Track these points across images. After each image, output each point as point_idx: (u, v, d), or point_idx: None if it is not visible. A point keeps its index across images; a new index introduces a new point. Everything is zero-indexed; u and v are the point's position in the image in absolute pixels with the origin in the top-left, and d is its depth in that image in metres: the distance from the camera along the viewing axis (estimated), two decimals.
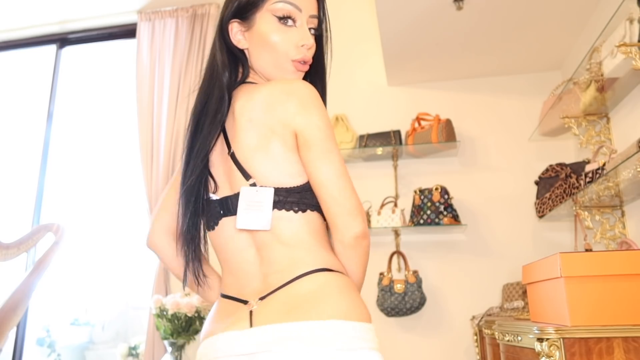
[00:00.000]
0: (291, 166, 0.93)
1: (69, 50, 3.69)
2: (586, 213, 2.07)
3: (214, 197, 0.99)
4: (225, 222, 0.97)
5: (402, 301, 2.50)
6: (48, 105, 3.51)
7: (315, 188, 0.92)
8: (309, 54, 1.02)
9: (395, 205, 2.69)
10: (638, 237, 1.95)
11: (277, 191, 0.92)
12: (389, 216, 2.62)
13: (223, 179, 0.99)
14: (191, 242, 0.99)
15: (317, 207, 0.94)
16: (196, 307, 2.50)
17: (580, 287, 1.26)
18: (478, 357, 2.30)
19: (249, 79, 1.05)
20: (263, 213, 0.90)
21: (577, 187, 1.92)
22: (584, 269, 1.27)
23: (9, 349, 3.09)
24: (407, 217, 2.69)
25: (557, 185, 2.12)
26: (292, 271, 0.89)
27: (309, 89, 0.94)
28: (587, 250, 2.01)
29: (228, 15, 1.03)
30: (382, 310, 2.55)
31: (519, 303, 2.07)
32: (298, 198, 0.92)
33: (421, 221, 2.58)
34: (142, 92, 3.25)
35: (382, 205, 2.72)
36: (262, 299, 0.90)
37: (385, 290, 2.54)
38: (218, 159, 1.00)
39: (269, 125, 0.93)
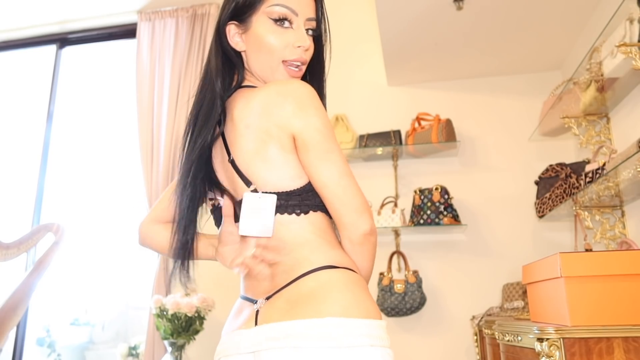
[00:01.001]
0: (291, 169, 0.92)
1: (69, 50, 3.69)
2: (586, 213, 2.07)
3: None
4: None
5: (402, 301, 2.50)
6: (48, 105, 3.51)
7: (318, 189, 0.92)
8: (305, 55, 1.01)
9: (395, 205, 2.69)
10: (638, 237, 1.95)
11: (278, 195, 0.92)
12: (389, 216, 2.63)
13: (228, 186, 0.99)
14: (184, 235, 0.99)
15: (320, 207, 0.94)
16: (196, 307, 2.50)
17: (580, 287, 1.26)
18: (478, 357, 2.30)
19: (247, 83, 1.04)
20: (266, 220, 0.90)
21: (577, 187, 1.92)
22: (584, 269, 1.27)
23: (9, 349, 3.09)
24: (407, 217, 2.69)
25: (557, 185, 2.12)
26: (296, 270, 0.90)
27: (306, 89, 0.93)
28: (587, 250, 2.01)
29: (225, 17, 1.03)
30: (382, 310, 2.55)
31: (519, 303, 2.07)
32: (299, 200, 0.92)
33: (421, 221, 2.58)
34: (142, 92, 3.25)
35: (382, 205, 2.72)
36: (268, 298, 0.92)
37: (385, 290, 2.54)
38: (220, 167, 1.01)
39: (265, 129, 0.92)
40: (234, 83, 1.03)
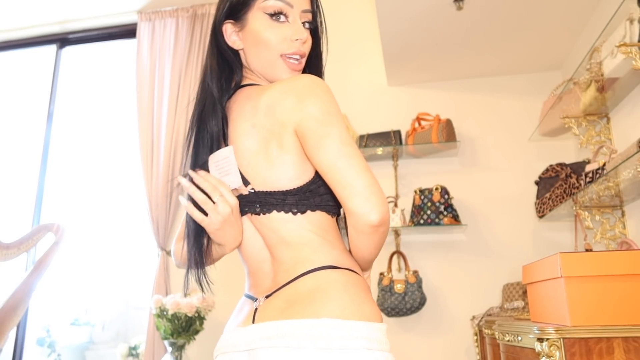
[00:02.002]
0: (289, 168, 0.91)
1: (69, 50, 3.69)
2: (586, 213, 2.07)
3: None
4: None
5: (402, 301, 2.50)
6: (48, 105, 3.51)
7: (324, 178, 0.88)
8: (303, 48, 1.00)
9: (396, 205, 2.68)
10: (638, 237, 1.95)
11: (273, 194, 0.92)
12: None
13: None
14: (195, 244, 0.99)
15: (320, 207, 0.93)
16: (196, 307, 2.50)
17: (580, 287, 1.26)
18: (478, 357, 2.30)
19: (248, 81, 1.04)
20: (231, 171, 0.92)
21: (577, 187, 1.92)
22: (584, 269, 1.27)
23: (9, 349, 3.09)
24: (407, 217, 2.69)
25: (557, 185, 2.12)
26: (296, 270, 0.89)
27: (307, 80, 0.92)
28: (587, 250, 2.01)
29: (221, 16, 1.03)
30: (382, 310, 2.55)
31: (519, 303, 2.07)
32: (296, 200, 0.92)
33: (421, 221, 2.58)
34: (142, 92, 3.25)
35: None
36: (267, 296, 0.91)
37: (386, 290, 2.54)
38: None
39: (269, 128, 0.92)
40: (234, 83, 1.03)
